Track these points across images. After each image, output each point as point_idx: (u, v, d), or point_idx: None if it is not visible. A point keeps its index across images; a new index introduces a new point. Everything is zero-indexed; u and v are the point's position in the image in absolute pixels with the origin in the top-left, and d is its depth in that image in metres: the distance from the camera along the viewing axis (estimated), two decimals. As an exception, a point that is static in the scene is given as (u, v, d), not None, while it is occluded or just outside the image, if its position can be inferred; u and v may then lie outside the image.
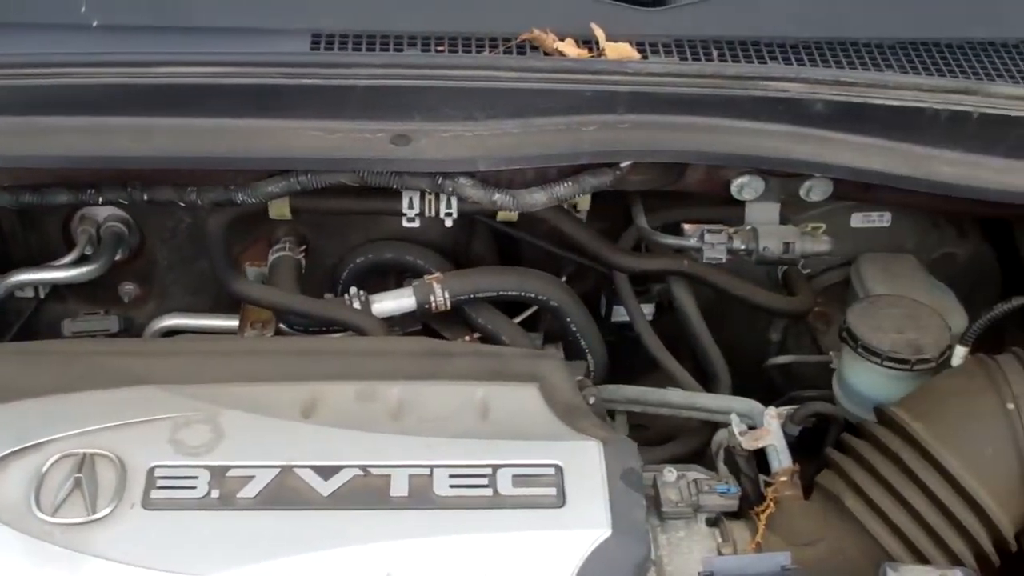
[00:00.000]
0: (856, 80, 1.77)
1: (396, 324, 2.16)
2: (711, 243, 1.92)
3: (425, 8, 1.83)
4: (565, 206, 2.12)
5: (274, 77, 1.75)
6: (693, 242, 1.95)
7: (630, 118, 1.75)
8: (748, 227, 1.95)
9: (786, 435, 1.92)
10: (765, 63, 1.82)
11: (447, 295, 2.08)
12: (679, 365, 2.19)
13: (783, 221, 2.03)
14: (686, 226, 1.97)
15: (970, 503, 1.65)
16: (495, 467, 1.62)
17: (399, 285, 2.16)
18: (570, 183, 1.84)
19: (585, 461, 1.64)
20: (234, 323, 2.16)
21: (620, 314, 2.31)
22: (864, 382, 1.97)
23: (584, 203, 2.13)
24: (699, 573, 1.53)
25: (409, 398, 1.74)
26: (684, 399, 2.05)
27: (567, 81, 1.73)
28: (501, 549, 1.54)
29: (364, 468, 1.61)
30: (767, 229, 1.93)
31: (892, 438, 1.72)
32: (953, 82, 1.81)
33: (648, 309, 2.33)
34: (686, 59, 1.81)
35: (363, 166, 1.77)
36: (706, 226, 1.95)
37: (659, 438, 2.14)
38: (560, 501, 1.59)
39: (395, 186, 1.84)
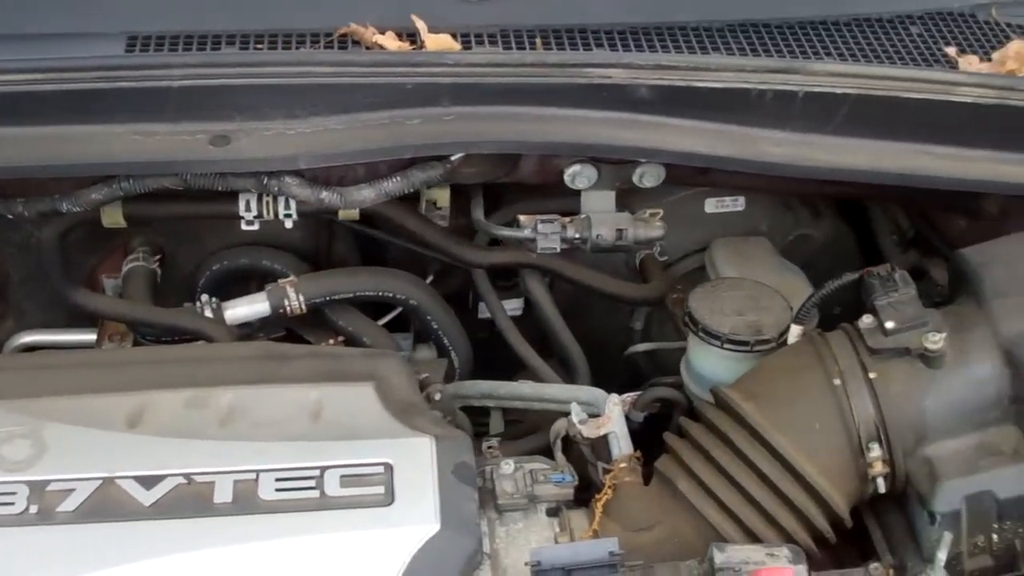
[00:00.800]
0: (678, 64, 1.77)
1: (259, 330, 2.13)
2: (544, 233, 1.92)
3: (243, 6, 1.80)
4: (425, 202, 2.11)
5: (90, 81, 1.71)
6: (527, 232, 1.94)
7: (455, 110, 1.74)
8: (583, 216, 1.94)
9: (632, 422, 1.93)
10: (591, 50, 1.81)
11: (302, 298, 2.05)
12: (539, 358, 2.18)
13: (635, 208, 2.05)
14: (521, 217, 1.96)
15: (800, 481, 1.66)
16: (323, 468, 1.60)
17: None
18: (399, 178, 1.83)
19: (416, 458, 1.63)
20: (92, 337, 2.13)
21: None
22: (707, 365, 1.98)
23: (443, 199, 2.12)
24: (527, 563, 1.51)
25: (240, 403, 1.71)
26: (534, 391, 2.04)
27: (387, 75, 1.71)
28: (328, 551, 1.52)
29: (187, 476, 1.58)
30: (600, 217, 1.93)
31: (723, 420, 1.72)
32: (775, 62, 1.82)
33: (517, 304, 2.33)
34: (511, 48, 1.80)
35: (182, 168, 1.74)
36: (540, 216, 1.95)
37: (532, 430, 2.14)
38: (389, 499, 1.57)
39: (219, 188, 1.81)
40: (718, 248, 2.24)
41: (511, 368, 2.24)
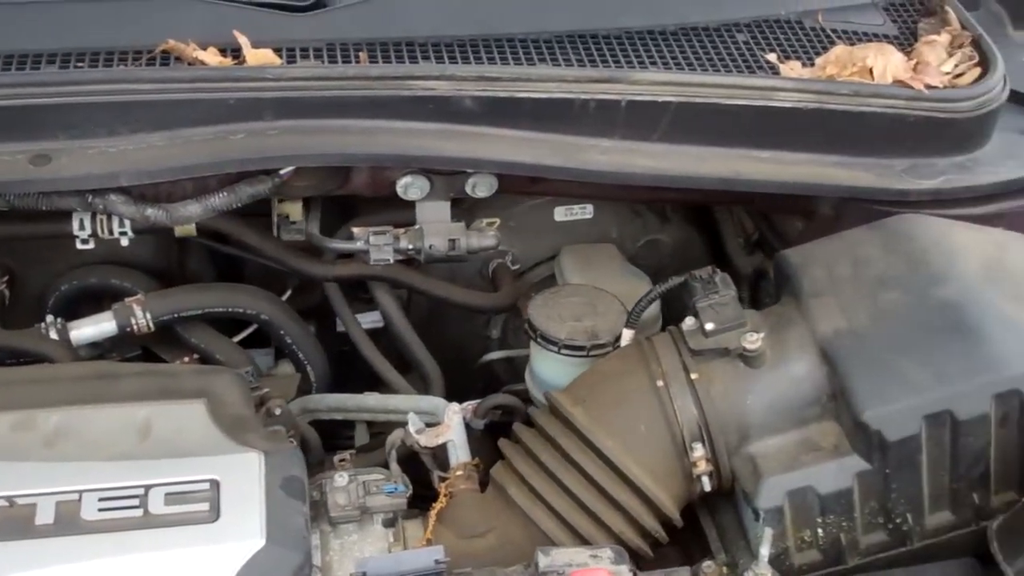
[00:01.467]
0: (501, 75, 1.79)
1: (111, 350, 2.11)
2: (377, 244, 1.93)
3: (61, 25, 1.78)
4: (277, 216, 2.11)
5: (-94, 104, 1.69)
6: (360, 244, 1.95)
7: (280, 124, 1.74)
8: (417, 227, 1.96)
9: (474, 430, 1.95)
10: (417, 63, 1.82)
11: (149, 316, 2.03)
12: (393, 370, 2.19)
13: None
14: (354, 229, 1.97)
15: (627, 483, 1.68)
16: (147, 487, 1.58)
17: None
18: (225, 194, 1.82)
19: (243, 473, 1.62)
20: None
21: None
22: (547, 371, 2.00)
23: (295, 213, 2.12)
24: (351, 574, 1.52)
25: (68, 424, 1.69)
26: (378, 403, 2.06)
27: (208, 90, 1.71)
28: (152, 569, 1.51)
29: (8, 499, 1.56)
30: (433, 227, 1.95)
31: (553, 424, 1.74)
32: (598, 72, 1.84)
33: (376, 316, 2.33)
34: (336, 62, 1.81)
35: (2, 189, 1.72)
36: (373, 228, 1.96)
37: None
38: (214, 516, 1.57)
39: (44, 207, 1.79)
40: (566, 255, 2.27)
41: (376, 381, 2.25)
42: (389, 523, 1.73)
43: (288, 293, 2.29)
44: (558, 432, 1.72)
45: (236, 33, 1.77)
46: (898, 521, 1.66)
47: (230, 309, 2.13)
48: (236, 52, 1.79)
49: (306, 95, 1.73)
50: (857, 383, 1.63)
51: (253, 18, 1.80)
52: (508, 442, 1.81)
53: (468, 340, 2.37)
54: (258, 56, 1.75)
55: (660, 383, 1.70)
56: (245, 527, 1.56)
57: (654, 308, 2.06)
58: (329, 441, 2.11)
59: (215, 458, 1.65)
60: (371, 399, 2.07)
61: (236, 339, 2.20)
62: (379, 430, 2.19)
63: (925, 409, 1.60)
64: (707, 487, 1.70)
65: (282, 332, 2.16)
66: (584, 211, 2.31)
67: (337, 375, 2.26)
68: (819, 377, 1.69)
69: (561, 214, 2.31)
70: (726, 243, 2.40)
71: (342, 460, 1.89)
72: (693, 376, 1.70)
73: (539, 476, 1.72)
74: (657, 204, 2.35)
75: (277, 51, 1.80)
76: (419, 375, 2.22)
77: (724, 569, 1.69)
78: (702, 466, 1.68)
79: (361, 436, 2.21)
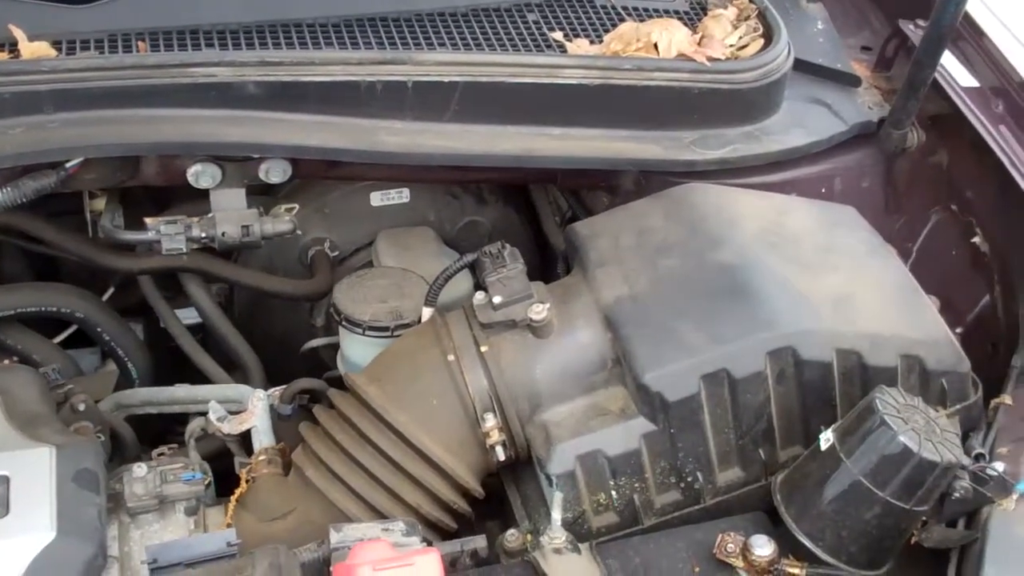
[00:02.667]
0: (283, 59, 1.80)
1: None
2: (169, 234, 1.92)
3: None
4: (90, 213, 2.09)
5: None
6: (151, 235, 1.95)
7: (59, 116, 1.73)
8: (209, 215, 1.96)
9: (282, 415, 1.96)
10: (200, 50, 1.82)
11: None
12: (212, 361, 2.19)
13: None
14: (147, 220, 1.96)
15: (422, 457, 1.71)
16: (-66, 485, 1.58)
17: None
18: (9, 189, 1.81)
19: (34, 468, 1.62)
20: None
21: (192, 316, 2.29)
22: (356, 353, 2.03)
23: (98, 205, 2.10)
24: (142, 562, 1.52)
25: None
26: (188, 394, 2.05)
27: (-18, 85, 1.69)
28: (-64, 569, 1.51)
29: None
30: (225, 215, 1.95)
31: (349, 404, 1.76)
32: (382, 54, 1.86)
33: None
34: (116, 52, 1.80)
35: None
36: (164, 218, 1.95)
37: None
38: (3, 512, 1.56)
39: None
40: (381, 240, 2.29)
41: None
42: (191, 511, 1.73)
43: (110, 291, 2.28)
44: (354, 412, 1.75)
45: (11, 27, 1.76)
46: (689, 480, 1.72)
47: (43, 308, 2.11)
48: (13, 47, 1.77)
49: (83, 86, 1.72)
50: (637, 347, 1.68)
51: (30, 12, 1.79)
52: (308, 425, 1.82)
53: (294, 329, 2.37)
54: (33, 49, 1.73)
55: (451, 357, 1.73)
56: (34, 520, 1.56)
57: (467, 288, 2.09)
58: (161, 437, 2.12)
59: (5, 454, 1.65)
60: (180, 391, 2.06)
61: (59, 338, 2.19)
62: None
63: (702, 369, 1.66)
64: (501, 456, 1.73)
65: (99, 329, 2.15)
66: (400, 195, 2.33)
67: (173, 370, 2.26)
68: (603, 344, 1.74)
69: (377, 199, 2.33)
70: (543, 222, 2.45)
71: (161, 454, 1.88)
72: (483, 349, 1.73)
73: (336, 456, 1.74)
74: (474, 186, 2.39)
75: (56, 44, 1.79)
76: (236, 364, 2.23)
77: (528, 537, 1.72)
78: (495, 436, 1.72)
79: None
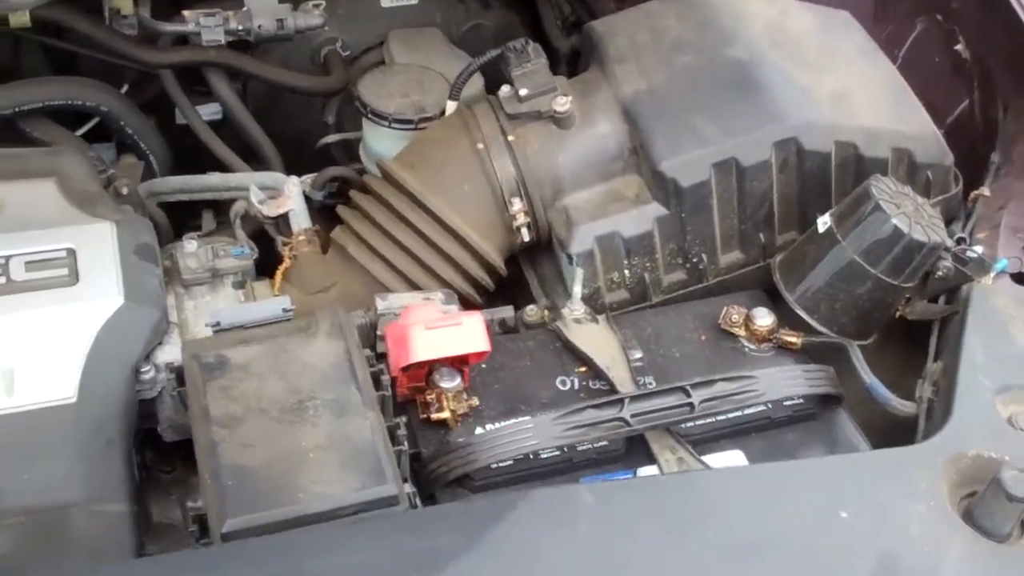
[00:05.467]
0: None
1: None
2: (208, 26, 2.01)
3: None
4: (108, 11, 2.15)
5: None
6: (191, 27, 2.03)
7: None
8: (245, 8, 2.05)
9: (314, 201, 2.09)
10: None
11: None
12: (232, 153, 2.30)
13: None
14: (185, 12, 2.05)
15: (454, 236, 1.86)
16: (7, 257, 1.70)
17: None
18: None
19: (98, 241, 1.75)
20: None
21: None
22: (379, 145, 2.15)
23: (127, 6, 2.17)
24: (206, 324, 1.67)
25: (-74, 204, 1.78)
26: (221, 181, 2.17)
27: None
28: (17, 330, 1.64)
29: None
30: (260, 7, 2.04)
31: (386, 189, 1.90)
32: None
33: (216, 108, 2.41)
34: None
35: None
36: (202, 10, 2.04)
37: None
38: (73, 280, 1.70)
39: None
40: (394, 39, 2.39)
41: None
42: (239, 285, 1.88)
43: (125, 87, 2.36)
44: (391, 195, 1.88)
45: None
46: (695, 261, 1.88)
47: (70, 102, 2.20)
48: None
49: None
50: (654, 137, 1.83)
51: None
52: (346, 208, 1.96)
53: (306, 127, 2.48)
54: None
55: (480, 146, 1.87)
56: (103, 288, 1.69)
57: (478, 87, 2.21)
58: (176, 230, 2.24)
59: (69, 228, 1.77)
60: (214, 178, 2.18)
61: (80, 132, 2.28)
62: (224, 219, 2.31)
63: (714, 157, 1.81)
64: (526, 238, 1.89)
65: (122, 123, 2.25)
66: None
67: (179, 170, 2.36)
68: (621, 135, 1.87)
69: (387, 1, 2.42)
70: (545, 26, 2.55)
71: (202, 235, 2.00)
72: (510, 138, 1.87)
73: (375, 234, 1.88)
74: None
75: None
76: (259, 159, 2.34)
77: (545, 312, 1.89)
78: (521, 218, 1.86)
79: (208, 224, 2.32)
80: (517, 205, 1.85)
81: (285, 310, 1.67)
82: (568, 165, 1.87)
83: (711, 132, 1.81)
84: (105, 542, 1.52)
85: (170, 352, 1.72)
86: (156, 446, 1.77)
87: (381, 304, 1.73)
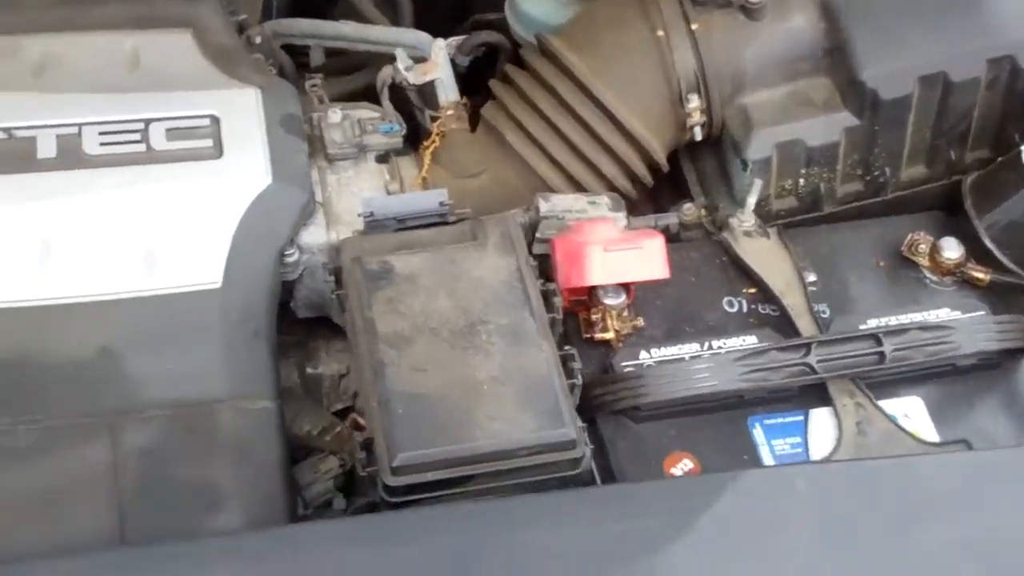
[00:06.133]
0: None
1: None
2: None
3: None
4: None
5: None
6: None
7: None
8: None
9: (458, 66, 1.93)
10: None
11: None
12: None
13: None
14: None
15: (621, 131, 1.71)
16: (147, 121, 1.58)
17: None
18: None
19: (242, 109, 1.62)
20: None
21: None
22: (536, 8, 1.96)
23: None
24: (359, 215, 1.55)
25: (52, 52, 1.64)
26: (356, 32, 2.01)
27: None
28: (160, 204, 1.52)
29: (7, 131, 1.54)
30: None
31: (549, 70, 1.73)
32: None
33: None
34: None
35: None
36: None
37: (356, 67, 2.10)
38: (217, 152, 1.57)
39: None
40: None
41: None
42: (382, 159, 1.74)
43: None
44: (554, 77, 1.72)
45: None
46: (876, 173, 1.74)
47: None
48: None
49: None
50: (857, 41, 1.66)
51: None
52: (500, 84, 1.80)
53: None
54: None
55: (660, 33, 1.70)
56: (250, 164, 1.57)
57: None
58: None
59: (211, 92, 1.64)
60: (348, 27, 2.02)
61: None
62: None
63: (922, 70, 1.65)
64: (698, 137, 1.74)
65: None
66: None
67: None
68: (817, 32, 1.70)
69: None
70: None
71: (313, 86, 1.86)
72: (693, 26, 1.70)
73: (534, 120, 1.73)
74: None
75: None
76: (388, 2, 2.17)
77: (703, 211, 1.76)
78: (696, 116, 1.71)
79: (316, 57, 2.14)
80: (694, 102, 1.70)
81: (442, 203, 1.55)
82: (753, 61, 1.71)
83: (921, 41, 1.65)
84: (251, 441, 1.43)
85: (314, 233, 1.60)
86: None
87: (544, 205, 1.60)
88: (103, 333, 1.45)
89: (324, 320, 1.67)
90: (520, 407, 1.31)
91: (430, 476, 1.28)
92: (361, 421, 1.55)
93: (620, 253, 1.46)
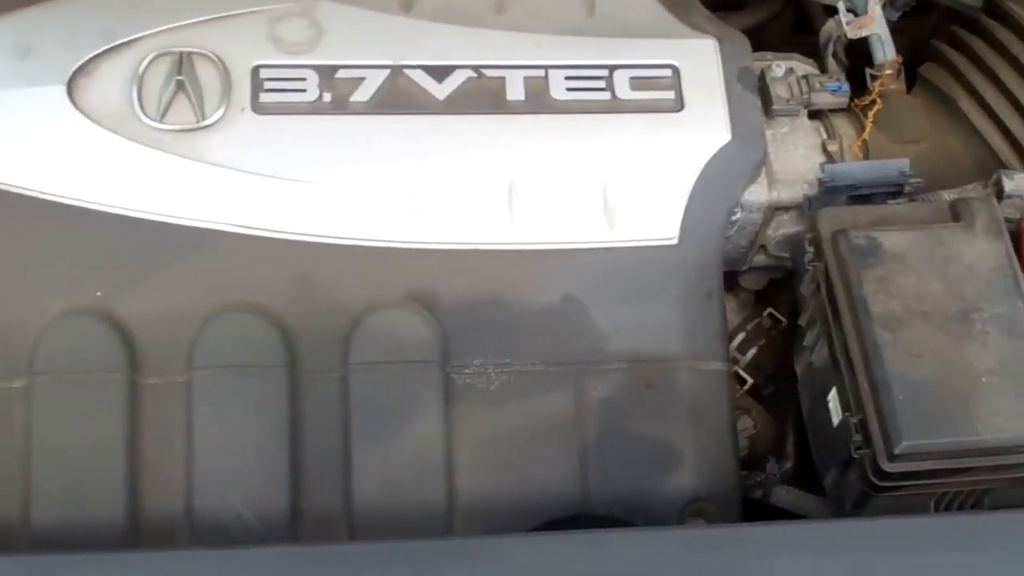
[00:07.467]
0: None
1: None
2: None
3: None
4: None
5: None
6: None
7: None
8: None
9: (888, 22, 1.86)
10: None
11: None
12: None
13: None
14: None
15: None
16: (611, 68, 1.56)
17: None
18: None
19: (701, 61, 1.59)
20: None
21: None
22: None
23: None
24: (819, 179, 1.52)
25: (512, -11, 1.64)
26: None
27: None
28: (622, 155, 1.52)
29: (477, 69, 1.55)
30: None
31: (1010, 37, 1.65)
32: None
33: None
34: None
35: None
36: None
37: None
38: (678, 105, 1.55)
39: None
40: None
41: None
42: (814, 115, 1.70)
43: None
44: (1019, 48, 1.64)
45: None
46: None
47: None
48: None
49: None
50: None
51: None
52: (948, 48, 1.73)
53: None
54: None
55: None
56: (711, 119, 1.55)
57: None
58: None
59: (669, 41, 1.61)
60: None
61: None
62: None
63: None
64: None
65: None
66: None
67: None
68: None
69: None
70: None
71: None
72: None
73: (992, 91, 1.64)
74: None
75: None
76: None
77: None
78: None
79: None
80: None
81: (903, 173, 1.51)
82: None
83: None
84: (705, 403, 1.45)
85: (756, 192, 1.57)
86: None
87: (1008, 184, 1.54)
88: (567, 282, 1.48)
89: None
90: (1021, 402, 1.28)
91: (928, 465, 1.28)
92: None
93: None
